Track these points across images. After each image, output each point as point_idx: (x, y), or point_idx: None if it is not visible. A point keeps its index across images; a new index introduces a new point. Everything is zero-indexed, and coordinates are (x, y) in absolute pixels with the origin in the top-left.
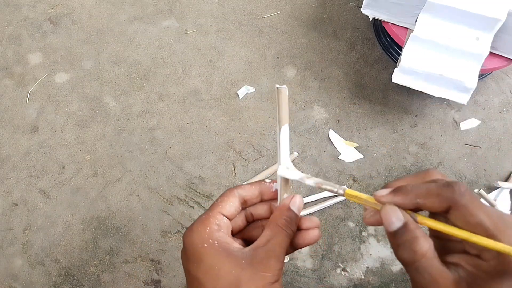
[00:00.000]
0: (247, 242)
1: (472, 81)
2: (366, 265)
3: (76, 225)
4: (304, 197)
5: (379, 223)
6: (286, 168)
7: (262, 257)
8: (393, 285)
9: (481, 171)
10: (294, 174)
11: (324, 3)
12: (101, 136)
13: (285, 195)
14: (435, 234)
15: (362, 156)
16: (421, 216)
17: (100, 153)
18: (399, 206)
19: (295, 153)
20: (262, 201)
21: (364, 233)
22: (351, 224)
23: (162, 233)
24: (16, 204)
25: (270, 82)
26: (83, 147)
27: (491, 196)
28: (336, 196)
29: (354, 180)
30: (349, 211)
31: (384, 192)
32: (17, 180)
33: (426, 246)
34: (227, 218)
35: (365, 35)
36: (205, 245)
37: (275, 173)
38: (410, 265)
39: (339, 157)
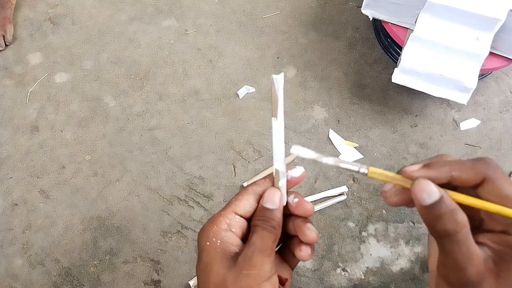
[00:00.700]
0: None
1: (472, 81)
2: (366, 265)
3: (76, 225)
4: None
5: (404, 201)
6: (299, 146)
7: (244, 256)
8: (393, 285)
9: None
10: (309, 153)
11: (324, 3)
12: (101, 136)
13: (282, 185)
14: None
15: (362, 156)
16: (452, 192)
17: (100, 153)
18: (433, 180)
19: (295, 154)
20: None
21: (364, 233)
22: (351, 224)
23: (162, 233)
24: (16, 204)
25: (270, 82)
26: (83, 147)
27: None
28: (336, 196)
29: (354, 180)
30: (349, 211)
31: (415, 167)
32: (17, 180)
33: (465, 217)
34: (241, 217)
35: (365, 35)
36: (207, 243)
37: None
38: (451, 236)
39: (339, 157)
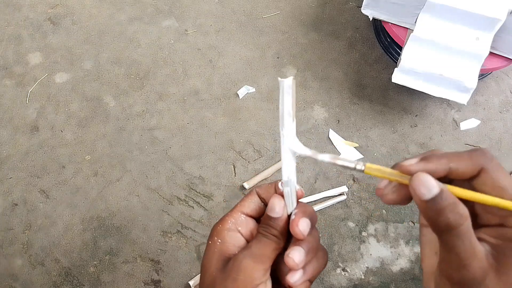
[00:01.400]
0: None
1: (472, 81)
2: (366, 265)
3: (76, 225)
4: (304, 197)
5: (401, 199)
6: (297, 144)
7: (235, 261)
8: (393, 285)
9: None
10: (304, 149)
11: (324, 3)
12: (101, 136)
13: (287, 191)
14: None
15: (362, 156)
16: (449, 185)
17: (100, 153)
18: (431, 173)
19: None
20: None
21: (364, 233)
22: (351, 224)
23: (162, 233)
24: (16, 204)
25: (270, 82)
26: (83, 147)
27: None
28: (337, 196)
29: (354, 180)
30: (349, 211)
31: (412, 161)
32: (17, 180)
33: (467, 210)
34: (248, 215)
35: (365, 35)
36: (210, 242)
37: (276, 172)
38: (453, 229)
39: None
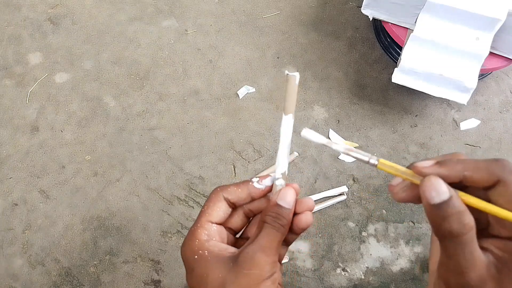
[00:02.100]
0: (234, 232)
1: (472, 81)
2: (366, 265)
3: (76, 225)
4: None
5: (412, 198)
6: (310, 130)
7: (246, 255)
8: (393, 285)
9: None
10: (319, 137)
11: (324, 3)
12: (101, 136)
13: (281, 184)
14: None
15: None
16: (462, 193)
17: (100, 153)
18: (444, 178)
19: (295, 153)
20: (253, 200)
21: (364, 233)
22: (351, 224)
23: (162, 233)
24: (16, 204)
25: (270, 82)
26: (83, 147)
27: None
28: (337, 196)
29: (354, 180)
30: (349, 211)
31: (427, 163)
32: (17, 180)
33: (473, 220)
34: (217, 224)
35: (365, 35)
36: (196, 257)
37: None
38: (455, 237)
39: (339, 157)
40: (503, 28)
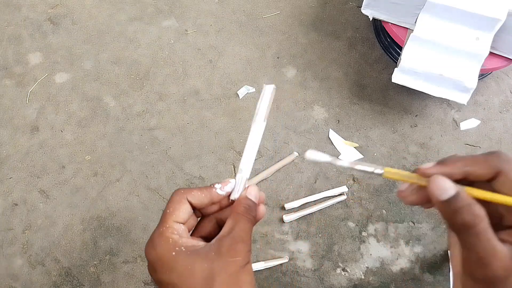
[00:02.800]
0: (205, 239)
1: (472, 81)
2: (366, 265)
3: (76, 225)
4: (304, 197)
5: (421, 200)
6: (313, 151)
7: (228, 245)
8: (393, 285)
9: None
10: (324, 156)
11: (324, 3)
12: (101, 136)
13: (241, 187)
14: None
15: (362, 156)
16: (468, 187)
17: (100, 153)
18: (448, 176)
19: (295, 153)
20: (213, 204)
21: (364, 233)
22: (351, 224)
23: None
24: (16, 204)
25: (270, 82)
26: (83, 147)
27: None
28: (337, 196)
29: (354, 180)
30: (349, 211)
31: (429, 164)
32: (17, 180)
33: (483, 211)
34: (182, 223)
35: (365, 35)
36: (173, 253)
37: (276, 172)
38: (470, 228)
39: (339, 157)
40: (503, 28)
